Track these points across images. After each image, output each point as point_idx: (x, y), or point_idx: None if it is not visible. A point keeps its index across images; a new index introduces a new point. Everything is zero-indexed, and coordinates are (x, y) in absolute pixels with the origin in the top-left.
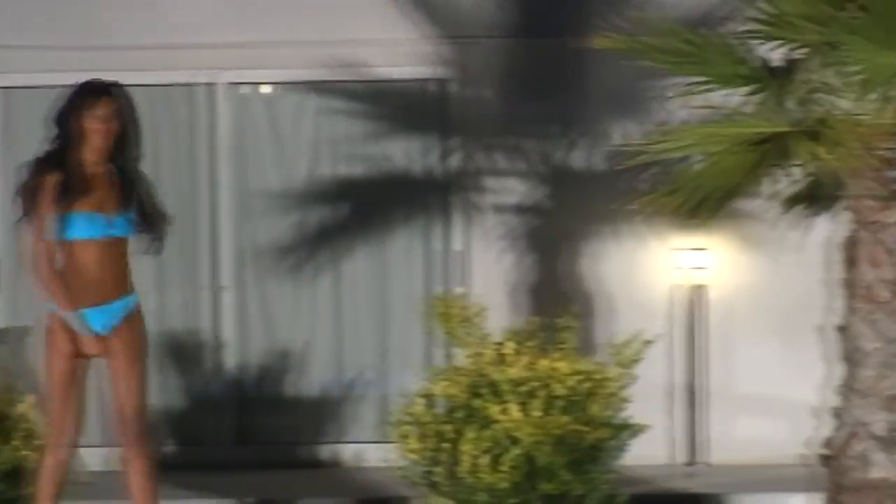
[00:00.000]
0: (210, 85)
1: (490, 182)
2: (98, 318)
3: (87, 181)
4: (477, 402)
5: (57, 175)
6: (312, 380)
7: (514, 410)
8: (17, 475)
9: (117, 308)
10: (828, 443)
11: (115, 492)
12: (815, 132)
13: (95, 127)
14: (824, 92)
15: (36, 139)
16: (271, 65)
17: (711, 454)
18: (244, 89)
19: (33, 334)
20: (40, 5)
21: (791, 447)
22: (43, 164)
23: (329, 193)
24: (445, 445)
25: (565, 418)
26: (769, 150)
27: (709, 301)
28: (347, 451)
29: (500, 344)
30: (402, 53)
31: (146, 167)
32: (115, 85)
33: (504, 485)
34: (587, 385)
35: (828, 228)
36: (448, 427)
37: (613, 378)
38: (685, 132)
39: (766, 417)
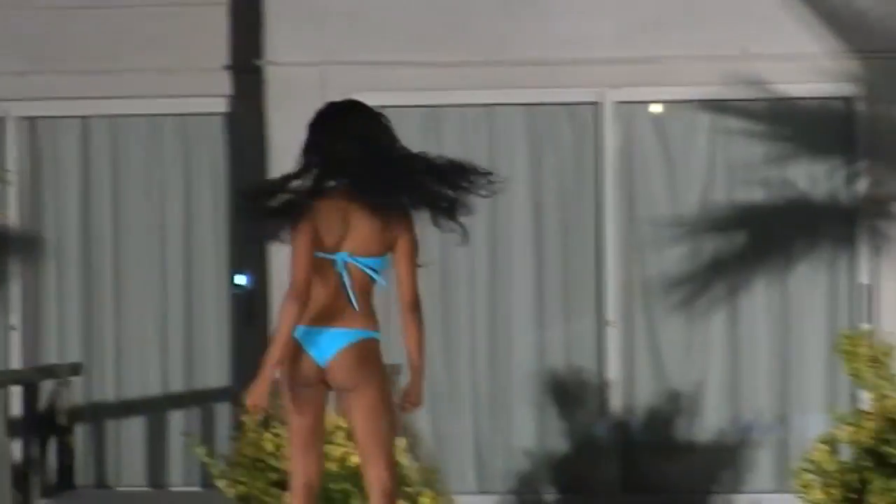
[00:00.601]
0: (596, 104)
1: None
2: None
3: None
4: (885, 449)
5: None
6: (706, 423)
7: None
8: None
9: None
10: None
11: None
12: None
13: None
14: None
15: None
16: (663, 82)
17: None
18: (633, 108)
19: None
20: (408, 18)
21: None
22: None
23: (724, 221)
24: (851, 496)
25: None
26: None
27: None
28: (743, 502)
29: None
30: (806, 69)
31: (530, 191)
32: None
33: None
34: None
35: None
36: (853, 476)
37: None
38: None
39: None
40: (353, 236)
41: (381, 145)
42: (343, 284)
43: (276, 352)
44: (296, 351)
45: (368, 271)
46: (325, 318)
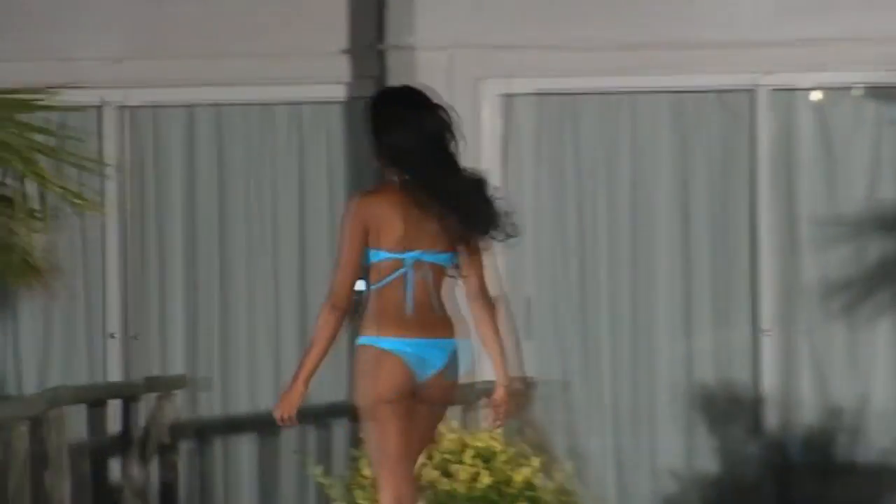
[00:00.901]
0: (749, 91)
1: None
2: None
3: None
4: None
5: None
6: (871, 443)
7: None
8: None
9: None
10: None
11: None
12: None
13: None
14: None
15: (536, 151)
16: (823, 66)
17: None
18: (791, 96)
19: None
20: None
21: None
22: None
23: (891, 220)
24: None
25: None
26: None
27: None
28: None
29: None
30: None
31: (676, 187)
32: None
33: None
34: None
35: None
36: None
37: None
38: None
39: None
40: (420, 233)
41: (441, 141)
42: (407, 287)
43: (309, 364)
44: (388, 363)
45: (447, 266)
46: (413, 327)
